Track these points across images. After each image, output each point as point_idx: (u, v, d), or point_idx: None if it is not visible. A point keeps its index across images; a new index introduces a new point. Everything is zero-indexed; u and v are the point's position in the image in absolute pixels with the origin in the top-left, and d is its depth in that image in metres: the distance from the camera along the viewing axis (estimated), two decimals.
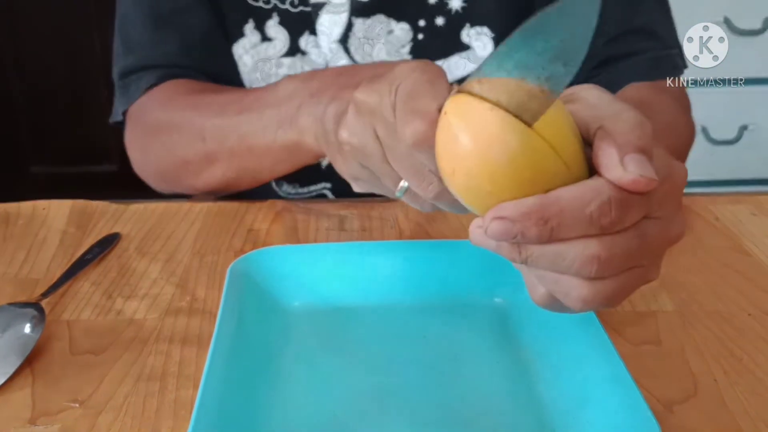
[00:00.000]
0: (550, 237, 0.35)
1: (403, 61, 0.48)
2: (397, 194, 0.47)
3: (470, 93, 0.36)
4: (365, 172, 0.49)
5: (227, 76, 0.78)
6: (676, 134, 0.68)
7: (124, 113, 0.78)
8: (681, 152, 0.69)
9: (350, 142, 0.48)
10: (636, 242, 0.36)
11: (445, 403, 0.45)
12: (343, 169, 0.51)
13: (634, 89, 0.70)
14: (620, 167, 0.35)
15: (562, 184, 0.36)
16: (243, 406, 0.43)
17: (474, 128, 0.36)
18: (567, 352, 0.46)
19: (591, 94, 0.39)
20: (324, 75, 0.60)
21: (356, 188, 0.53)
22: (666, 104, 0.70)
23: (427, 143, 0.40)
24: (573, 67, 0.34)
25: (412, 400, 0.45)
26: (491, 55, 0.36)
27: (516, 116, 0.35)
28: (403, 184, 0.46)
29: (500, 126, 0.35)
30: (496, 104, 0.35)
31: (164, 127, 0.71)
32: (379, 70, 0.48)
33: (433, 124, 0.39)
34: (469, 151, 0.36)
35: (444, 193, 0.43)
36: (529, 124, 0.35)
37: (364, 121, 0.46)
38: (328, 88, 0.57)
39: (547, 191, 0.35)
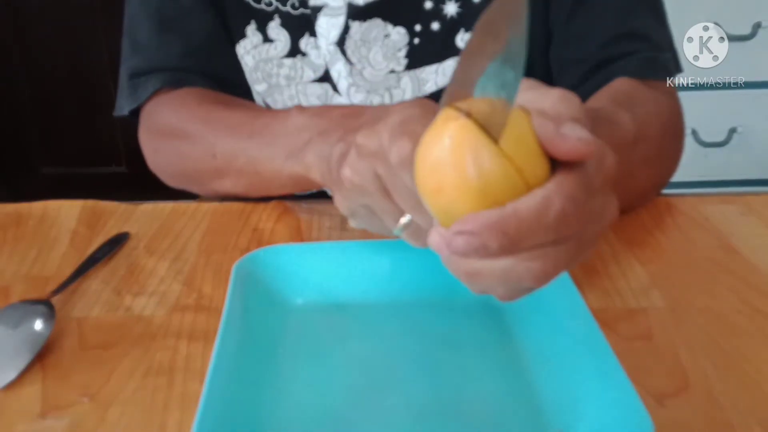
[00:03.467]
0: (509, 250, 0.36)
1: (403, 101, 0.50)
2: (396, 232, 0.49)
3: (473, 119, 0.37)
4: (363, 210, 0.51)
5: (231, 77, 0.79)
6: (659, 124, 0.68)
7: (132, 112, 0.80)
8: (664, 145, 0.70)
9: (352, 180, 0.49)
10: (575, 245, 0.38)
11: (442, 397, 0.46)
12: (343, 206, 0.53)
13: (621, 81, 0.70)
14: (560, 137, 0.36)
15: None
16: (247, 400, 0.44)
17: (477, 161, 0.36)
18: (562, 348, 0.47)
19: (523, 83, 0.40)
20: (332, 114, 0.61)
21: (352, 224, 0.54)
22: (652, 97, 0.70)
23: (411, 164, 0.41)
24: (519, 71, 0.35)
25: (410, 395, 0.46)
26: (464, 62, 0.37)
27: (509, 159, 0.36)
28: (404, 221, 0.48)
29: (498, 168, 0.36)
30: (495, 139, 0.36)
31: (177, 135, 0.73)
32: (380, 113, 0.50)
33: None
34: (470, 180, 0.36)
35: None
36: (496, 140, 0.36)
37: (365, 162, 0.48)
38: (336, 129, 0.58)
39: None
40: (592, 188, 0.37)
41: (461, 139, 0.37)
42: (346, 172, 0.50)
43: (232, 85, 0.79)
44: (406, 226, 0.48)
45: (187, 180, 0.75)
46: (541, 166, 0.37)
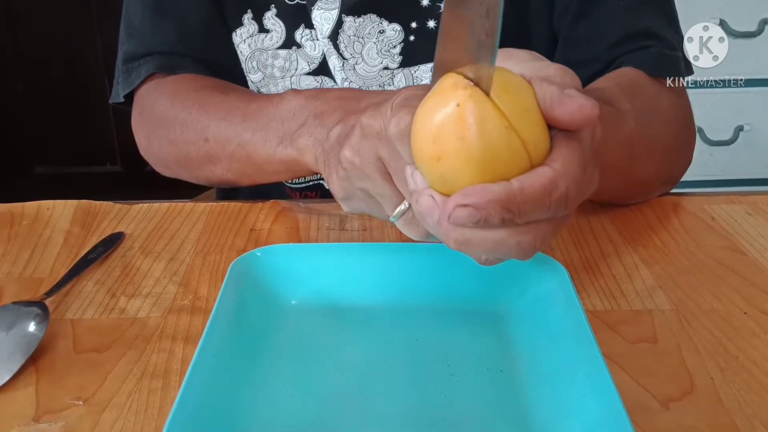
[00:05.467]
0: (509, 223, 0.37)
1: (409, 86, 0.50)
2: (392, 219, 0.48)
3: (482, 88, 0.37)
4: (361, 194, 0.51)
5: (225, 64, 0.79)
6: (660, 120, 0.68)
7: (127, 96, 0.80)
8: (667, 141, 0.69)
9: (352, 161, 0.49)
10: (562, 219, 0.39)
11: (429, 406, 0.45)
12: (338, 189, 0.52)
13: (629, 69, 0.70)
14: (566, 98, 0.37)
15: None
16: (227, 399, 0.43)
17: (484, 132, 0.36)
18: (556, 361, 0.46)
19: (523, 53, 0.42)
20: (328, 96, 0.61)
21: (346, 209, 0.54)
22: (656, 91, 0.70)
23: (409, 135, 0.42)
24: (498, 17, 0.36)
25: (398, 401, 0.45)
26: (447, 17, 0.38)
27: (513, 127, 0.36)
28: (402, 207, 0.48)
29: (505, 140, 0.36)
30: (503, 112, 0.36)
31: (170, 121, 0.73)
32: (385, 96, 0.50)
33: None
34: (474, 150, 0.36)
35: None
36: (486, 93, 0.36)
37: (369, 143, 0.48)
38: (333, 111, 0.58)
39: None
40: (587, 165, 0.38)
41: (470, 108, 0.36)
42: (347, 153, 0.49)
43: (226, 72, 0.79)
44: (404, 212, 0.48)
45: (179, 166, 0.75)
46: (543, 139, 0.38)
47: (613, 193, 0.66)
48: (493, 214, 0.36)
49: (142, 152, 0.79)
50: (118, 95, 0.81)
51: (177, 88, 0.75)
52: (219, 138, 0.68)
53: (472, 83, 0.37)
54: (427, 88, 0.44)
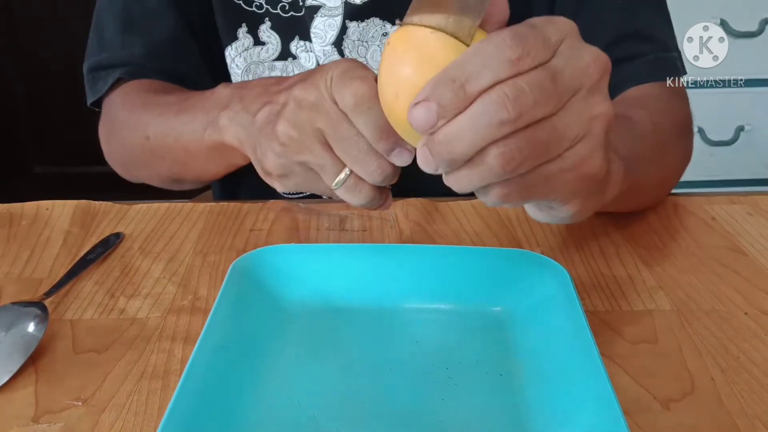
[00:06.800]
0: (465, 94, 0.36)
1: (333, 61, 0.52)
2: (335, 186, 0.50)
3: (412, 24, 0.39)
4: (299, 168, 0.52)
5: (193, 78, 0.80)
6: (671, 119, 0.68)
7: (94, 104, 0.82)
8: (672, 141, 0.69)
9: (290, 135, 0.50)
10: (544, 76, 0.37)
11: (426, 409, 0.44)
12: (276, 167, 0.53)
13: (635, 90, 0.71)
14: None
15: None
16: (224, 399, 0.43)
17: (419, 50, 0.38)
18: (555, 366, 0.46)
19: None
20: (254, 84, 0.62)
21: (282, 189, 0.55)
22: (658, 94, 0.70)
23: (367, 103, 0.44)
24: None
25: (394, 405, 0.45)
26: None
27: (455, 37, 0.38)
28: (342, 175, 0.49)
29: (443, 46, 0.38)
30: (437, 29, 0.38)
31: (120, 124, 0.75)
32: (304, 75, 0.52)
33: (372, 84, 0.44)
34: (414, 71, 0.38)
35: (389, 173, 0.47)
36: (466, 43, 0.38)
37: (305, 114, 0.49)
38: (257, 96, 0.59)
39: None
40: (538, 28, 0.38)
41: (405, 36, 0.39)
42: (283, 128, 0.51)
43: (193, 85, 0.79)
44: (344, 181, 0.49)
45: (134, 168, 0.77)
46: None
47: (635, 198, 0.65)
48: (444, 92, 0.36)
49: (109, 161, 0.81)
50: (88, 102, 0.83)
51: (128, 93, 0.77)
52: (158, 134, 0.69)
53: (407, 22, 0.39)
54: (351, 59, 0.46)
